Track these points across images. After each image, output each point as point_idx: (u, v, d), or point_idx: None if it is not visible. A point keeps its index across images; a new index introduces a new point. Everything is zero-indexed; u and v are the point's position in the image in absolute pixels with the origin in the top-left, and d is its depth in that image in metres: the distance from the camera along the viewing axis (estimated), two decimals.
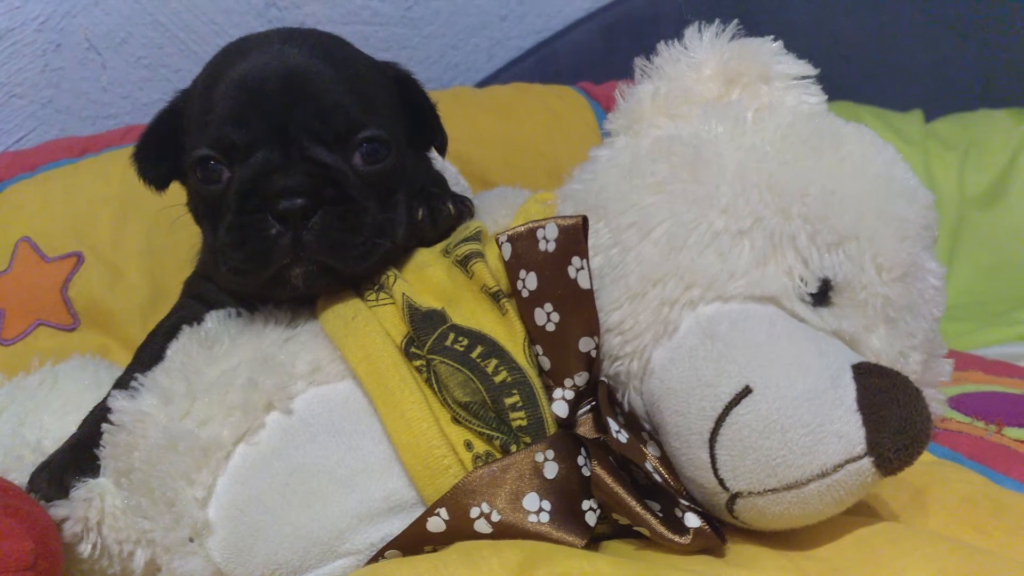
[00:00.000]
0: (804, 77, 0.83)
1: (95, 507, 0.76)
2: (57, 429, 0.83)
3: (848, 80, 1.71)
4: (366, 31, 1.64)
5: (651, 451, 0.75)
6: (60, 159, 1.28)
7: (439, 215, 0.87)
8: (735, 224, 0.74)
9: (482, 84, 1.72)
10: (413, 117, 0.89)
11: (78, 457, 0.79)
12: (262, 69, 0.79)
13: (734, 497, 0.68)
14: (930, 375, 0.83)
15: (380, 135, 0.81)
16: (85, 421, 0.82)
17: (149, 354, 0.85)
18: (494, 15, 1.75)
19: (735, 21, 0.86)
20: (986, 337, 1.35)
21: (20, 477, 0.78)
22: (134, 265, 1.22)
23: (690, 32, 0.86)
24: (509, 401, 0.73)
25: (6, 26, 1.40)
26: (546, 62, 1.74)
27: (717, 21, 0.86)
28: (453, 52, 1.73)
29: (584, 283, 0.73)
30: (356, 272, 0.81)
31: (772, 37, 0.84)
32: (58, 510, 0.74)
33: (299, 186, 0.76)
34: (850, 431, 0.65)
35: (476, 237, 0.83)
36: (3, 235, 1.20)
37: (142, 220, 1.23)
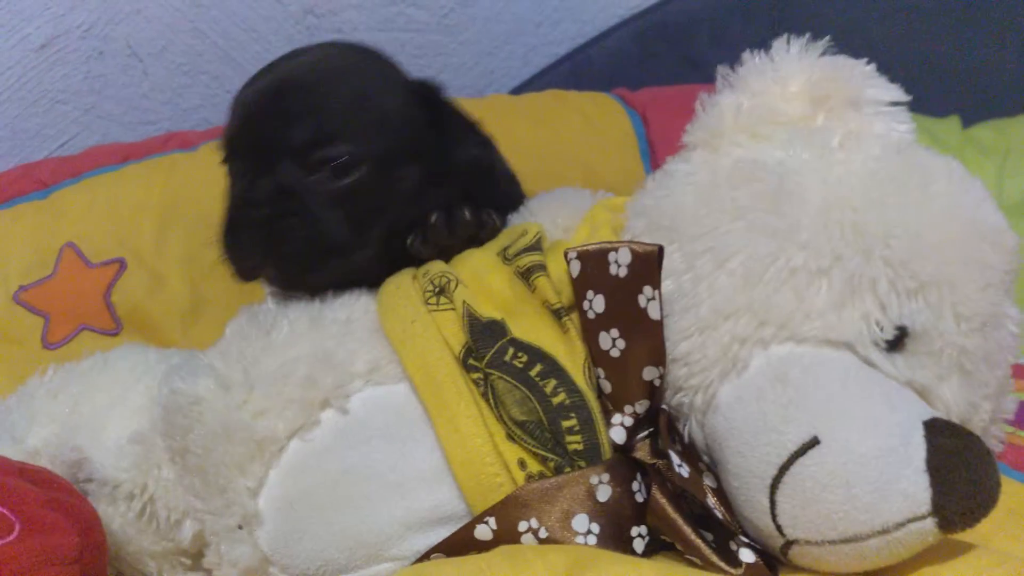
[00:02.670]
0: (896, 103, 0.80)
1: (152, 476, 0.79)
2: (110, 422, 0.83)
3: None
4: (402, 38, 1.64)
5: (708, 482, 0.74)
6: (104, 165, 1.28)
7: (455, 221, 0.85)
8: (814, 262, 0.71)
9: (517, 90, 1.71)
10: (444, 136, 0.89)
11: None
12: (259, 84, 0.85)
13: (789, 543, 0.67)
14: (995, 413, 0.80)
15: (344, 151, 0.82)
16: None
17: None
18: (530, 21, 1.73)
19: (827, 38, 0.82)
20: None
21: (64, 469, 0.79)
22: (175, 272, 1.22)
23: (778, 44, 0.83)
24: (566, 424, 0.72)
25: (51, 33, 1.41)
26: (581, 68, 1.71)
27: (808, 35, 0.83)
28: (488, 59, 1.72)
29: (654, 314, 0.71)
30: (314, 285, 0.85)
31: (866, 60, 0.81)
32: None
33: (261, 198, 0.81)
34: (916, 491, 0.63)
35: (538, 246, 0.81)
36: (49, 240, 1.20)
37: (183, 227, 1.24)
